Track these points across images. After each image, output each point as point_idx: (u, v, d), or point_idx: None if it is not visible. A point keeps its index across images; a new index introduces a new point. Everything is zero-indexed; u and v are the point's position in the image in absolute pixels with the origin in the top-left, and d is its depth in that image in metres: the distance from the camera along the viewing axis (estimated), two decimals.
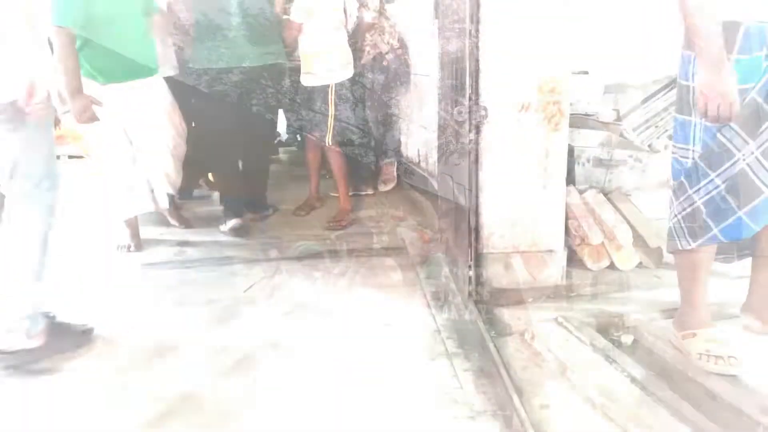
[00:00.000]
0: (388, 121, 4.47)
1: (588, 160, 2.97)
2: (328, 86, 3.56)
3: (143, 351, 2.18)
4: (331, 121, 3.57)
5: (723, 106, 1.65)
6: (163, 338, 2.26)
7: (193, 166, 3.57)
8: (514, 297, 2.45)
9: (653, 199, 3.31)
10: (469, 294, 2.42)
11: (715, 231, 1.81)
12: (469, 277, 2.44)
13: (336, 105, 3.57)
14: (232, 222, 3.47)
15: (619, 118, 3.77)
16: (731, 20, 1.66)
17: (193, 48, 3.41)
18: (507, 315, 2.30)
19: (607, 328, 2.17)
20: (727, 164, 1.75)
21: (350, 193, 3.95)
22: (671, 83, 3.42)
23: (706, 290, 1.96)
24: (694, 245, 1.88)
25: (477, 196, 2.44)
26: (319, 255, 3.12)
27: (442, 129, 2.94)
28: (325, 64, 3.54)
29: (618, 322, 2.20)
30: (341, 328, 2.37)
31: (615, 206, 2.84)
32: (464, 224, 2.45)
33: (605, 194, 2.92)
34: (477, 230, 2.46)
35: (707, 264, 1.93)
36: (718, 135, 1.75)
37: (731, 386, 1.72)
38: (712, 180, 1.78)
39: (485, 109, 2.35)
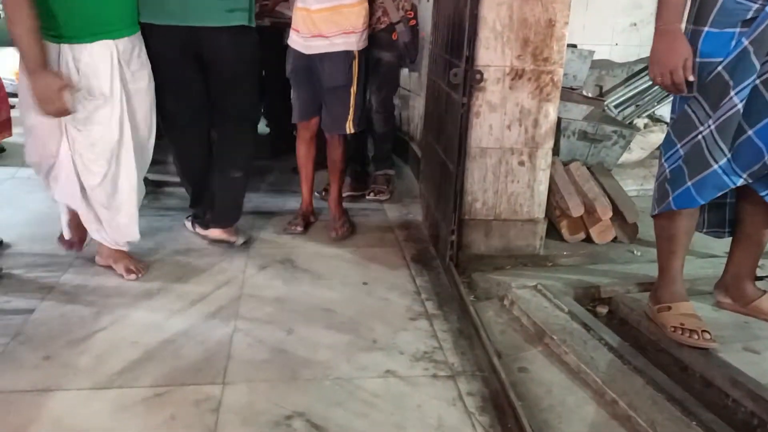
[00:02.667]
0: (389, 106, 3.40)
1: (573, 133, 2.98)
2: (349, 54, 2.66)
3: None
4: (352, 100, 2.74)
5: (667, 75, 1.69)
6: None
7: None
8: (494, 263, 2.47)
9: (632, 175, 3.38)
10: (450, 258, 2.43)
11: (670, 199, 1.85)
12: (451, 242, 2.44)
13: (359, 79, 2.73)
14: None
15: (602, 95, 3.80)
16: None
17: None
18: (486, 281, 2.32)
19: (583, 297, 2.22)
20: (690, 135, 1.78)
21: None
22: None
23: (682, 264, 1.99)
24: (656, 211, 1.92)
25: (464, 162, 2.43)
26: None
27: (430, 91, 2.91)
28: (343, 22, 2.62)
29: (594, 293, 2.24)
30: (318, 283, 2.36)
31: (597, 180, 2.87)
32: (449, 189, 2.44)
33: (588, 168, 2.94)
34: (461, 196, 2.45)
35: (684, 238, 1.95)
36: (686, 106, 1.78)
37: (703, 359, 1.77)
38: (677, 149, 1.82)
39: (480, 73, 2.33)
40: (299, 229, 2.86)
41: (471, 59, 2.31)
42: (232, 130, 2.59)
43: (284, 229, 2.87)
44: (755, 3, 1.65)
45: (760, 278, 2.28)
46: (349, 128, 2.78)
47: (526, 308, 2.07)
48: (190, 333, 1.98)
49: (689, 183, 1.81)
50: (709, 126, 1.75)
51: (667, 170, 1.87)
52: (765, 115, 1.73)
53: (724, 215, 2.03)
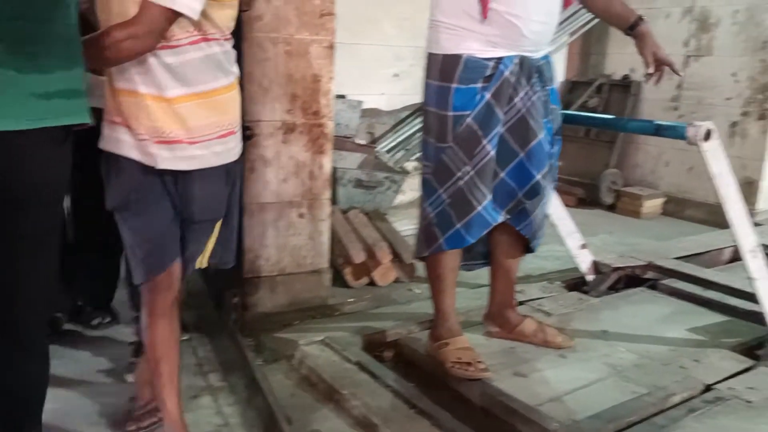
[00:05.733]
0: None
1: (350, 181, 3.08)
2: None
3: None
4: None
5: None
6: None
7: None
8: (282, 320, 2.41)
9: (407, 215, 3.58)
10: (234, 321, 2.32)
11: (441, 241, 1.98)
12: (234, 304, 2.33)
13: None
14: None
15: (374, 141, 4.00)
16: (454, 53, 1.85)
17: None
18: (274, 341, 2.24)
19: (370, 345, 2.25)
20: (450, 182, 1.93)
21: None
22: (418, 110, 3.70)
23: (453, 300, 2.12)
24: (425, 253, 2.04)
25: (241, 220, 2.35)
26: None
27: None
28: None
29: (380, 338, 2.29)
30: None
31: (375, 225, 2.97)
32: None
33: (366, 214, 3.05)
34: (242, 255, 2.37)
35: (451, 275, 2.08)
36: (442, 155, 1.93)
37: (481, 390, 1.89)
38: (440, 195, 1.96)
39: (250, 128, 2.29)
40: None
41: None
42: None
43: None
44: (491, 62, 1.86)
45: (521, 303, 2.54)
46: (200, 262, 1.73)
47: (314, 365, 2.04)
48: None
49: (458, 225, 1.95)
50: (468, 172, 1.90)
51: (432, 214, 1.99)
52: (512, 159, 1.96)
53: (473, 248, 2.16)
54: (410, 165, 4.04)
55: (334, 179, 2.95)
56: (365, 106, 3.91)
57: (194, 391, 1.97)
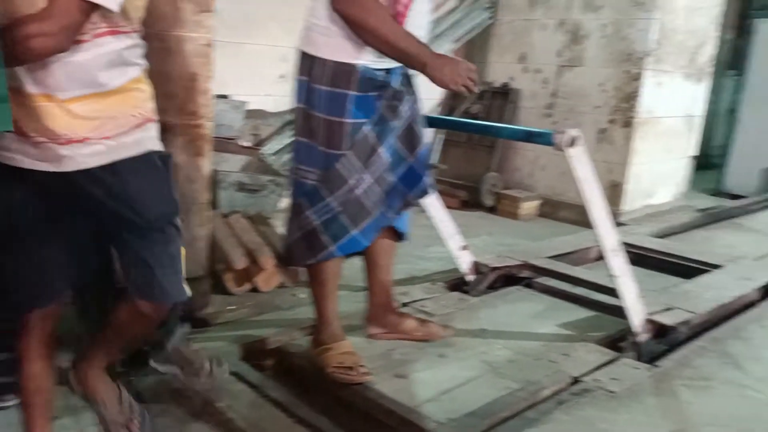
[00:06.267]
0: None
1: (231, 185, 2.98)
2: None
3: None
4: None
5: (465, 77, 1.84)
6: None
7: None
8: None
9: None
10: None
11: (333, 248, 1.96)
12: None
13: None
14: None
15: (260, 143, 3.92)
16: (348, 62, 1.84)
17: None
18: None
19: (250, 354, 2.19)
20: (344, 189, 1.92)
21: None
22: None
23: (336, 305, 2.12)
24: (312, 261, 2.01)
25: None
26: None
27: None
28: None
29: (260, 346, 2.23)
30: None
31: (257, 229, 2.90)
32: None
33: (248, 218, 2.97)
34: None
35: (334, 280, 2.08)
36: (336, 164, 1.91)
37: (362, 394, 1.88)
38: (328, 203, 1.93)
39: None
40: None
41: None
42: None
43: None
44: (382, 72, 1.88)
45: (405, 305, 2.57)
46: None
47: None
48: None
49: (355, 231, 1.94)
50: (365, 179, 1.91)
51: (317, 222, 1.95)
52: (400, 164, 2.01)
53: None
54: None
55: (215, 182, 2.85)
56: (250, 107, 3.81)
57: (55, 411, 1.82)
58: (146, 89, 1.46)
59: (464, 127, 2.02)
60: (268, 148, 3.86)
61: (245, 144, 3.66)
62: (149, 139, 1.45)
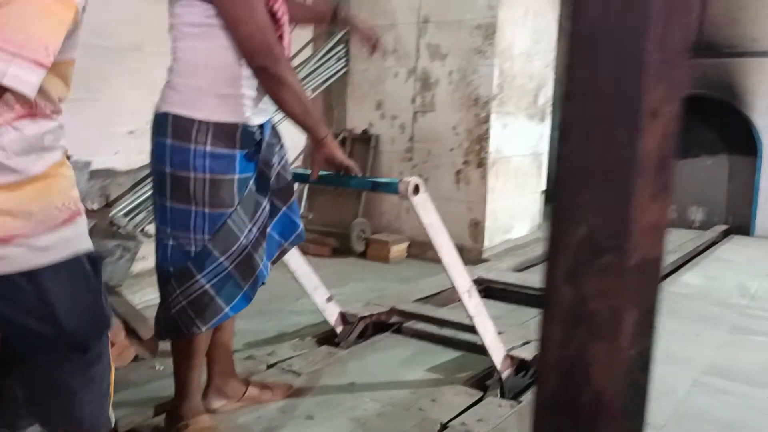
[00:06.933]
0: None
1: None
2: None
3: None
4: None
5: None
6: None
7: None
8: None
9: (152, 283, 3.30)
10: None
11: (226, 309, 1.88)
12: None
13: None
14: None
15: (109, 204, 3.67)
16: (230, 122, 1.81)
17: None
18: None
19: None
20: (235, 246, 1.85)
21: None
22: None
23: (200, 377, 2.00)
24: (204, 328, 1.88)
25: None
26: None
27: None
28: None
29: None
30: None
31: None
32: None
33: None
34: None
35: (203, 350, 1.99)
36: (228, 221, 1.84)
37: None
38: (221, 262, 1.85)
39: None
40: None
41: None
42: None
43: None
44: (256, 128, 1.88)
45: (271, 366, 2.48)
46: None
47: None
48: None
49: (245, 287, 1.90)
50: (253, 232, 1.89)
51: (208, 285, 1.84)
52: (277, 214, 2.05)
53: None
54: (152, 227, 3.79)
55: None
56: (96, 166, 3.58)
57: None
58: (70, 174, 1.25)
59: (314, 181, 1.98)
60: (120, 209, 3.63)
61: (92, 207, 3.41)
62: (77, 237, 1.23)
